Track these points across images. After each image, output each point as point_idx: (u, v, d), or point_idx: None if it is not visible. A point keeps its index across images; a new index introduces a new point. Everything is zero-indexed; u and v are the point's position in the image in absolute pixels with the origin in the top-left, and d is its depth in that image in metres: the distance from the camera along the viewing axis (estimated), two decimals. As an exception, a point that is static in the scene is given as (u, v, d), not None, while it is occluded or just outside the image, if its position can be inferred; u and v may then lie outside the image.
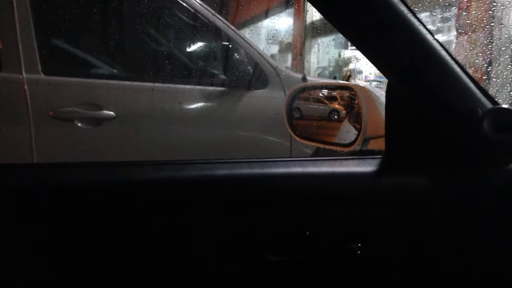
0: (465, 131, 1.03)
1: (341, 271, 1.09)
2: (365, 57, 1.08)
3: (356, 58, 7.76)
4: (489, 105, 1.03)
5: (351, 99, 1.51)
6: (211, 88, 2.56)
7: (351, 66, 8.04)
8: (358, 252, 1.06)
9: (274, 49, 8.51)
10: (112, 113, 2.23)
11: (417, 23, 0.96)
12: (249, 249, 1.06)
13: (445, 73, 1.01)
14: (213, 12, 2.49)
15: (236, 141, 2.47)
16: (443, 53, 1.00)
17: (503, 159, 1.03)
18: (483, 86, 1.10)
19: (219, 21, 2.51)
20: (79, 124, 2.21)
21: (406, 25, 0.95)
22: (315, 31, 8.27)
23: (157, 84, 2.38)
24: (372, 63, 1.07)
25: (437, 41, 1.00)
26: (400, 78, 1.07)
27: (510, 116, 0.99)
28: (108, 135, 2.25)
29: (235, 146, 2.43)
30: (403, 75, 1.05)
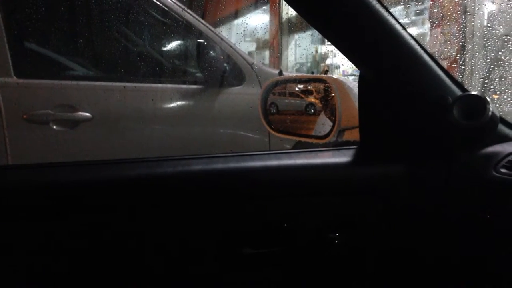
0: (436, 118, 1.04)
1: (319, 260, 1.10)
2: (337, 49, 1.09)
3: (333, 53, 7.78)
4: (458, 92, 1.05)
5: (326, 92, 1.52)
6: (188, 86, 2.55)
7: (328, 61, 8.07)
8: (336, 241, 1.07)
9: (252, 46, 8.51)
10: (87, 114, 2.21)
11: (386, 14, 0.97)
12: (227, 243, 1.07)
13: (415, 62, 1.02)
14: (187, 10, 2.47)
15: (214, 139, 2.46)
16: (412, 42, 1.01)
17: (473, 145, 1.05)
18: (453, 74, 1.11)
19: (194, 19, 2.49)
20: (54, 127, 2.18)
21: (375, 16, 0.96)
22: (292, 27, 8.28)
23: (132, 84, 2.36)
24: (344, 54, 1.08)
25: (406, 31, 1.02)
26: (372, 69, 1.08)
27: (478, 102, 1.01)
28: (84, 136, 2.22)
29: (213, 144, 2.42)
30: (374, 65, 1.06)
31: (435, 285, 1.12)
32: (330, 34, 1.04)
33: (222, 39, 2.56)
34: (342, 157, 1.13)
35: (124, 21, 2.51)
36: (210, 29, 2.53)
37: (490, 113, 1.00)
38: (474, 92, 1.04)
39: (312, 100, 1.68)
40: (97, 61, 2.52)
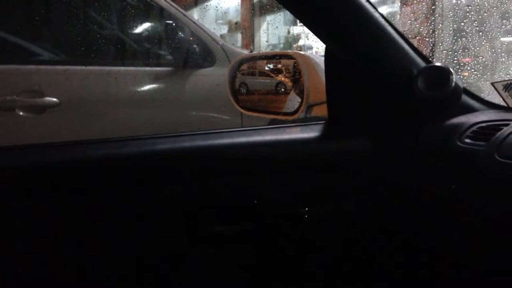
0: (401, 91, 1.05)
1: (289, 235, 1.11)
2: (303, 24, 1.09)
3: (306, 34, 7.79)
4: (423, 64, 1.06)
5: (295, 69, 1.52)
6: (157, 68, 2.51)
7: (300, 42, 8.07)
8: (305, 215, 1.07)
9: (223, 29, 8.45)
10: (55, 99, 2.16)
11: None
12: (196, 221, 1.06)
13: (379, 35, 1.02)
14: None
15: (185, 121, 2.44)
16: (376, 15, 1.01)
17: (438, 116, 1.06)
18: (417, 47, 1.12)
19: (162, 0, 2.45)
20: (21, 113, 2.13)
21: None
22: (264, 9, 8.24)
23: (100, 68, 2.31)
24: (309, 29, 1.08)
25: (371, 4, 1.01)
26: (337, 43, 1.08)
27: (442, 74, 1.02)
28: (52, 122, 2.18)
29: (185, 126, 2.40)
30: (340, 39, 1.06)
31: (405, 257, 1.13)
32: (295, 8, 1.04)
33: (191, 20, 2.53)
34: (310, 133, 1.13)
35: (91, 3, 2.46)
36: (179, 10, 2.50)
37: (453, 84, 1.01)
38: (437, 64, 1.05)
39: (282, 78, 1.68)
40: (63, 45, 2.46)
